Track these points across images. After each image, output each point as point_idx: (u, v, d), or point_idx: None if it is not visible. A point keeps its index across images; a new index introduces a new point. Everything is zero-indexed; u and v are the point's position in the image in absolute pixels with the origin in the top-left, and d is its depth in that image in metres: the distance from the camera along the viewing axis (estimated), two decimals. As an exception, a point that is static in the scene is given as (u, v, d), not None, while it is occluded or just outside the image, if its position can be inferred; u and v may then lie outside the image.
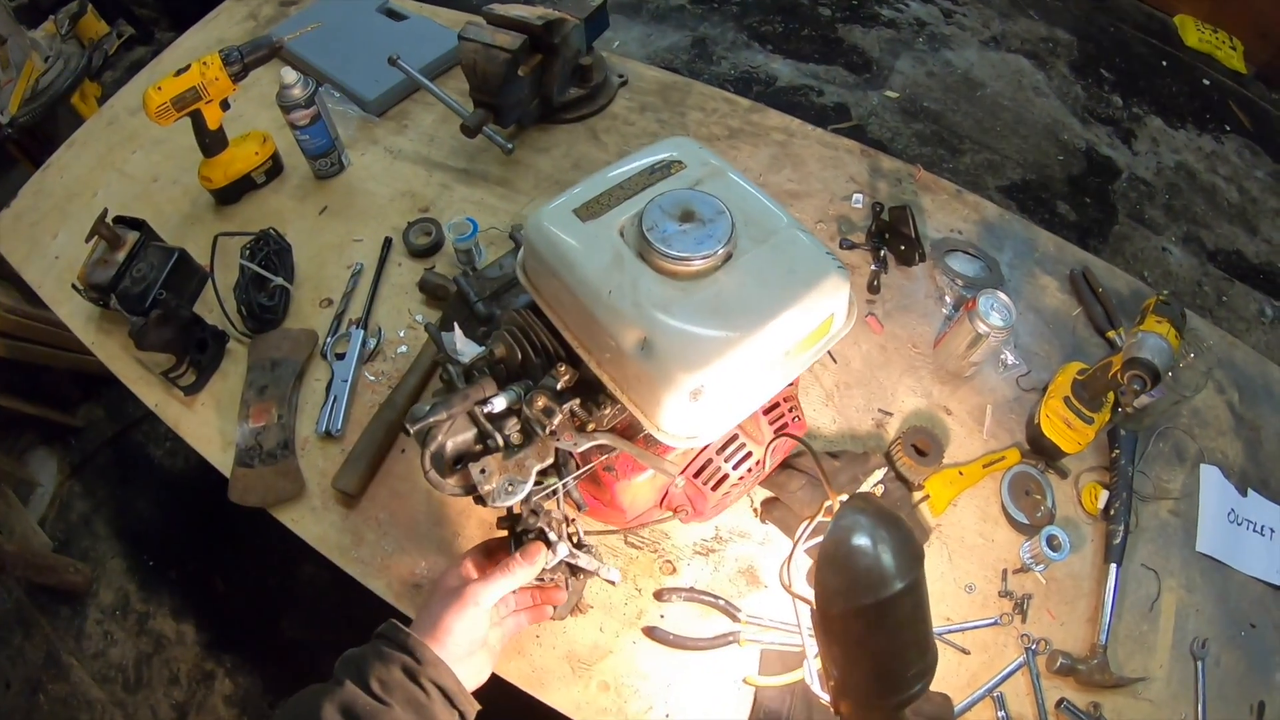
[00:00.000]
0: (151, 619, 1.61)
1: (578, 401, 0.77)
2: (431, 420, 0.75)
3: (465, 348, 0.83)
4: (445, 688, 0.66)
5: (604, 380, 0.74)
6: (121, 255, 1.15)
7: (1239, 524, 1.12)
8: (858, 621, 0.56)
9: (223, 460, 1.05)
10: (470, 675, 0.72)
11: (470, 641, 0.71)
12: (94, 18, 2.48)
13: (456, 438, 0.77)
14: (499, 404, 0.77)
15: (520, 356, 0.81)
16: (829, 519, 0.62)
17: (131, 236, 1.17)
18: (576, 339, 0.75)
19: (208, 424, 1.09)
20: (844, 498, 0.64)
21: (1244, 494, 1.14)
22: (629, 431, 0.79)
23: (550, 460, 0.76)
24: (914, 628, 0.56)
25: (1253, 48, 2.85)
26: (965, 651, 0.97)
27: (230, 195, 1.29)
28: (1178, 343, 0.97)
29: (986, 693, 0.95)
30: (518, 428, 0.79)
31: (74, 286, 1.16)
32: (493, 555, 0.82)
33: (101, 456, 1.82)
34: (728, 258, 0.72)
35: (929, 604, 0.59)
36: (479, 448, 0.78)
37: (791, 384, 0.86)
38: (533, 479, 0.75)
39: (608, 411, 0.77)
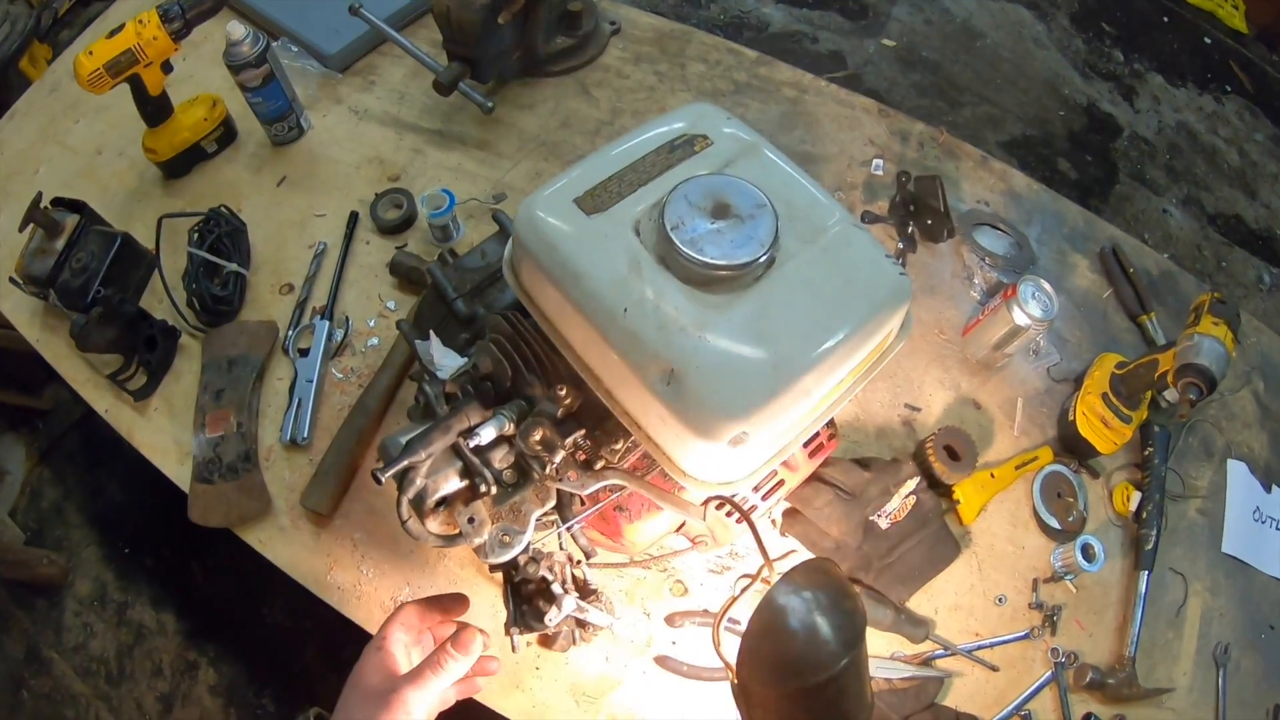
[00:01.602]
0: (130, 608, 1.45)
1: (583, 433, 0.60)
2: (407, 462, 0.57)
3: (444, 359, 0.65)
4: None
5: (617, 413, 0.56)
6: (61, 243, 0.95)
7: (1263, 522, 1.03)
8: (778, 703, 0.49)
9: (180, 474, 0.88)
10: None
11: None
12: (41, -27, 2.14)
13: (439, 475, 0.60)
14: (487, 434, 0.60)
15: (510, 373, 0.63)
16: (765, 585, 0.52)
17: (71, 221, 0.96)
18: (581, 361, 0.58)
19: (162, 432, 0.91)
20: (791, 559, 0.51)
21: (1268, 490, 1.04)
22: (645, 466, 0.62)
23: (551, 503, 0.59)
24: (841, 705, 0.50)
25: (1254, 7, 2.67)
26: (994, 669, 0.86)
27: (179, 167, 1.07)
28: (1234, 346, 0.83)
29: (1014, 710, 0.85)
30: (510, 461, 0.62)
31: (11, 280, 0.95)
32: (429, 614, 0.62)
33: (70, 440, 1.62)
34: (771, 264, 0.54)
35: (866, 672, 0.52)
36: (465, 485, 0.61)
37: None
38: (532, 528, 0.59)
39: (620, 446, 0.60)
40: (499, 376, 0.65)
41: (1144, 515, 0.94)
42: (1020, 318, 0.88)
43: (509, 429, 0.61)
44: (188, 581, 1.47)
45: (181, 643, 1.43)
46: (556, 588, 0.61)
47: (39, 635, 1.44)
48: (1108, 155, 2.22)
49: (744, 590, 0.57)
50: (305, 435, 0.87)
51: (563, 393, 0.61)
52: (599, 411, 0.60)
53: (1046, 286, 0.89)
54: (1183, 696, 0.91)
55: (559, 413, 0.61)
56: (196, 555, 1.48)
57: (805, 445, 0.66)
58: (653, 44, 1.19)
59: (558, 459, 0.59)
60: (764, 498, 0.66)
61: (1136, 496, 0.95)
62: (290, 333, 0.93)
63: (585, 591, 0.64)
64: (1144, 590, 0.90)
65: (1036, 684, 0.87)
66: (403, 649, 0.59)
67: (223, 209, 0.98)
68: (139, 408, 0.92)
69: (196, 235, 0.96)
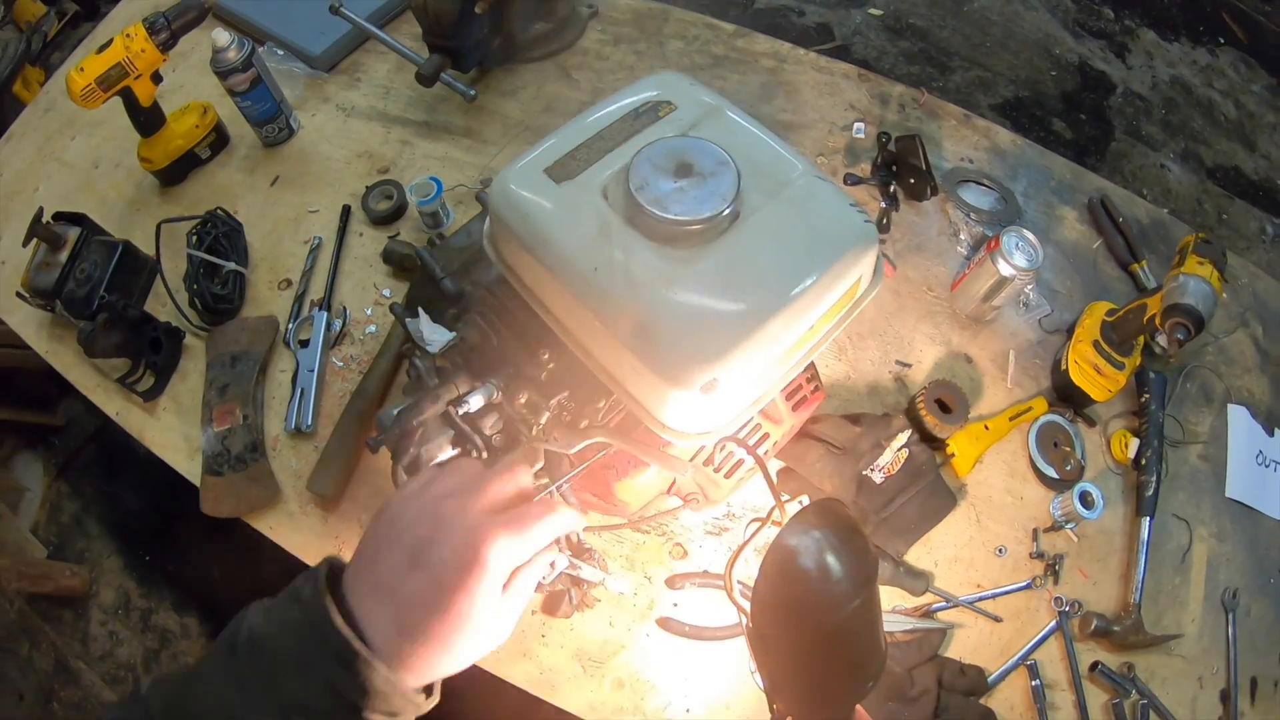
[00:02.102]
0: (154, 614, 1.51)
1: (566, 394, 0.63)
2: (400, 431, 0.62)
3: (433, 334, 0.69)
4: (395, 713, 0.42)
5: (596, 370, 0.60)
6: (64, 255, 1.00)
7: (1267, 466, 1.04)
8: (794, 644, 0.50)
9: (191, 469, 0.93)
10: (450, 663, 0.44)
11: (467, 630, 0.43)
12: (28, -1, 2.22)
13: (432, 443, 0.64)
14: (475, 402, 0.64)
15: (496, 343, 0.67)
16: (777, 526, 0.53)
17: (73, 234, 1.01)
18: (559, 323, 0.61)
19: (172, 430, 0.96)
20: (802, 499, 0.53)
21: (1271, 434, 1.06)
22: (628, 423, 0.65)
23: (539, 464, 0.63)
24: (856, 647, 0.50)
25: (1243, -43, 2.65)
26: (997, 619, 0.88)
27: (174, 174, 1.11)
28: (1220, 286, 0.85)
29: (1020, 661, 0.87)
30: (499, 428, 0.66)
31: (18, 294, 1.00)
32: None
33: (86, 453, 1.68)
34: (735, 218, 0.58)
35: (879, 614, 0.52)
36: (457, 451, 0.65)
37: (810, 353, 0.72)
38: (523, 488, 0.62)
39: (603, 404, 0.63)
40: (485, 347, 0.69)
41: (1143, 462, 0.96)
42: (1005, 269, 0.91)
43: (497, 397, 0.65)
44: (209, 584, 1.52)
45: (206, 644, 1.48)
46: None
47: (66, 647, 1.50)
48: (1102, 113, 2.22)
49: (755, 533, 0.57)
50: (309, 423, 0.91)
51: (545, 357, 0.65)
52: (581, 373, 0.64)
53: (1030, 237, 0.92)
54: (1192, 643, 0.92)
55: (543, 376, 0.65)
56: (216, 557, 1.54)
57: (788, 398, 0.69)
58: (631, 24, 1.22)
59: (543, 420, 0.63)
60: (749, 451, 0.69)
61: (1135, 443, 0.96)
62: (290, 326, 0.97)
63: (579, 550, 0.68)
64: (1146, 537, 0.92)
65: (1041, 634, 0.89)
66: (489, 493, 0.47)
67: (219, 211, 1.03)
68: (148, 408, 0.97)
69: (195, 238, 1.01)
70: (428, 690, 0.44)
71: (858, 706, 0.53)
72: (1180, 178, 2.14)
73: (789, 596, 0.48)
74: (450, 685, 0.46)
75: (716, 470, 0.70)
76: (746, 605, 0.51)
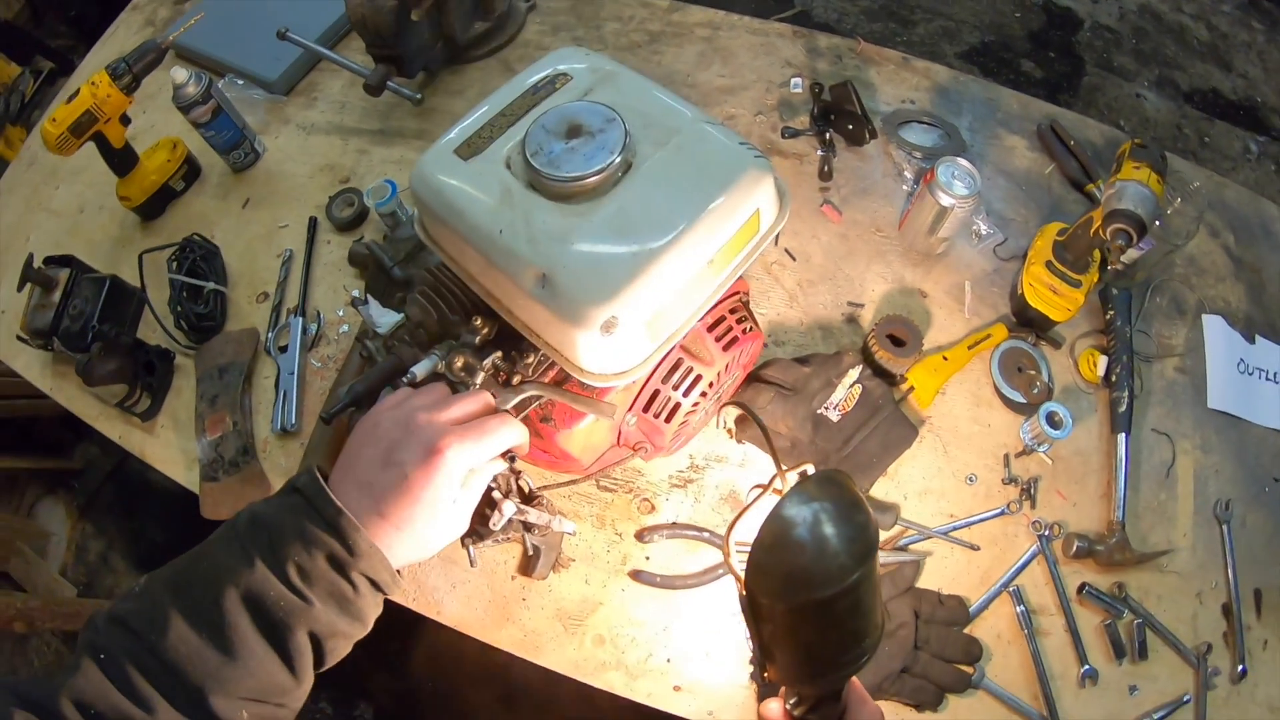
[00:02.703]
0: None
1: (499, 355, 0.70)
2: (348, 402, 0.69)
3: (382, 317, 0.76)
4: (378, 581, 0.52)
5: (518, 327, 0.66)
6: (57, 295, 1.10)
7: (1250, 374, 1.05)
8: (787, 615, 0.50)
9: (190, 479, 1.02)
10: (418, 548, 0.55)
11: (429, 517, 0.54)
12: (2, 61, 2.37)
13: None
14: (420, 371, 0.70)
15: (437, 317, 0.74)
16: (777, 495, 0.55)
17: (63, 274, 1.11)
18: (483, 289, 0.68)
19: (170, 445, 1.05)
20: (806, 469, 0.55)
21: (1251, 341, 1.07)
22: (561, 377, 0.71)
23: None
24: (852, 621, 0.50)
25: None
26: (974, 548, 0.91)
27: (153, 209, 1.22)
28: (1160, 188, 0.87)
29: (1002, 588, 0.91)
30: (445, 394, 0.72)
31: (19, 337, 1.11)
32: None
33: (105, 492, 1.81)
34: (627, 168, 0.64)
35: (877, 587, 0.52)
36: None
37: (737, 293, 0.78)
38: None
39: (531, 360, 0.70)
40: (428, 322, 0.76)
41: (1113, 378, 0.98)
42: (944, 199, 0.94)
43: (440, 367, 0.72)
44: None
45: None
46: (496, 493, 0.71)
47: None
48: (1071, 49, 2.23)
49: (755, 500, 0.60)
50: (294, 422, 0.99)
51: (478, 323, 0.71)
52: (511, 334, 0.70)
53: (965, 164, 0.95)
54: (1186, 558, 0.94)
55: (477, 341, 0.71)
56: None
57: (718, 339, 0.74)
58: (568, 12, 1.29)
59: (479, 380, 0.69)
60: (684, 393, 0.74)
61: (1103, 361, 0.99)
62: (270, 334, 1.06)
63: (527, 498, 0.74)
64: (1124, 453, 0.94)
65: (1022, 559, 0.91)
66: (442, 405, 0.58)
67: (195, 236, 1.13)
68: (147, 428, 1.06)
69: (175, 263, 1.10)
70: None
71: (853, 678, 0.54)
72: (1157, 105, 2.13)
73: (784, 567, 0.48)
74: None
75: (656, 416, 0.75)
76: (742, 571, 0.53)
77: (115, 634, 0.48)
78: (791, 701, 0.55)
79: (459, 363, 0.70)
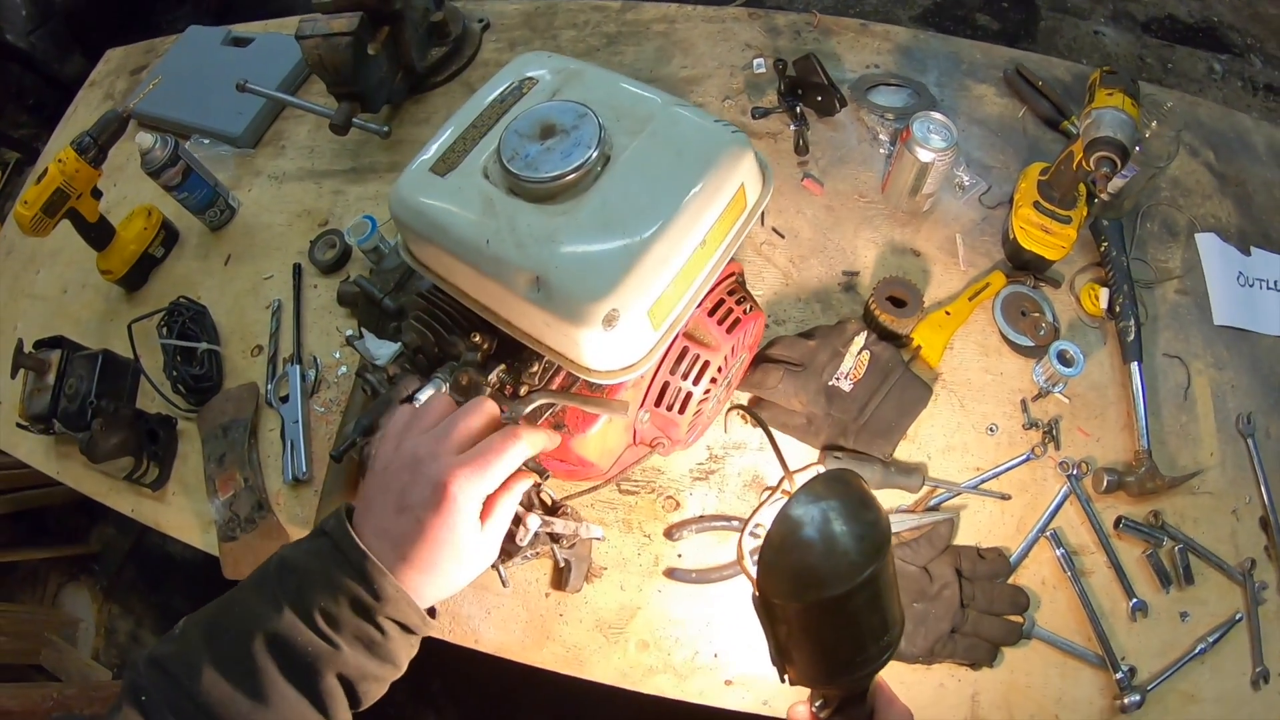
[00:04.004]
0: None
1: (503, 367, 0.69)
2: (355, 439, 0.67)
3: (379, 349, 0.75)
4: (406, 624, 0.51)
5: (519, 337, 0.65)
6: (51, 378, 1.09)
7: (1250, 285, 1.04)
8: (800, 614, 0.50)
9: (208, 542, 1.00)
10: (448, 586, 0.54)
11: (452, 557, 0.52)
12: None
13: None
14: (424, 396, 0.69)
15: (434, 339, 0.73)
16: (786, 496, 0.55)
17: (55, 356, 1.10)
18: (478, 303, 0.67)
19: (184, 511, 1.04)
20: (818, 469, 0.54)
21: (1247, 253, 1.06)
22: (569, 382, 0.70)
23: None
24: (867, 619, 0.50)
25: None
26: (1005, 497, 0.90)
27: (136, 279, 1.21)
28: (1136, 112, 0.87)
29: (1039, 534, 0.89)
30: (453, 415, 0.71)
31: (19, 425, 1.10)
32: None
33: (127, 571, 1.79)
34: (605, 161, 0.63)
35: (894, 585, 0.52)
36: (433, 388, 0.70)
37: (732, 274, 0.77)
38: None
39: (536, 369, 0.69)
40: (426, 346, 0.75)
41: (1117, 309, 0.97)
42: (923, 154, 0.94)
43: (445, 389, 0.71)
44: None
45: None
46: (518, 509, 0.69)
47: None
48: None
49: (764, 502, 0.60)
50: (305, 470, 0.98)
51: (477, 339, 0.70)
52: (513, 346, 0.69)
53: (939, 117, 0.95)
54: (1216, 476, 0.93)
55: (479, 357, 0.70)
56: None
57: (719, 322, 0.73)
58: (522, 26, 1.29)
59: (486, 395, 0.68)
60: (694, 382, 0.73)
61: (1105, 293, 0.98)
62: (269, 386, 1.05)
63: (550, 509, 0.72)
64: (1139, 381, 0.93)
65: (1055, 502, 0.90)
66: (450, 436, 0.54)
67: (181, 299, 1.12)
68: (158, 497, 1.05)
69: (165, 328, 1.09)
70: (430, 614, 0.54)
71: (878, 677, 0.54)
72: (1116, 39, 2.14)
73: (794, 565, 0.49)
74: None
75: (669, 409, 0.74)
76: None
77: (154, 677, 0.48)
78: (817, 704, 0.55)
79: (464, 380, 0.69)
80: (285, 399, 1.03)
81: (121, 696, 0.49)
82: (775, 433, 0.92)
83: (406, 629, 0.51)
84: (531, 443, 0.55)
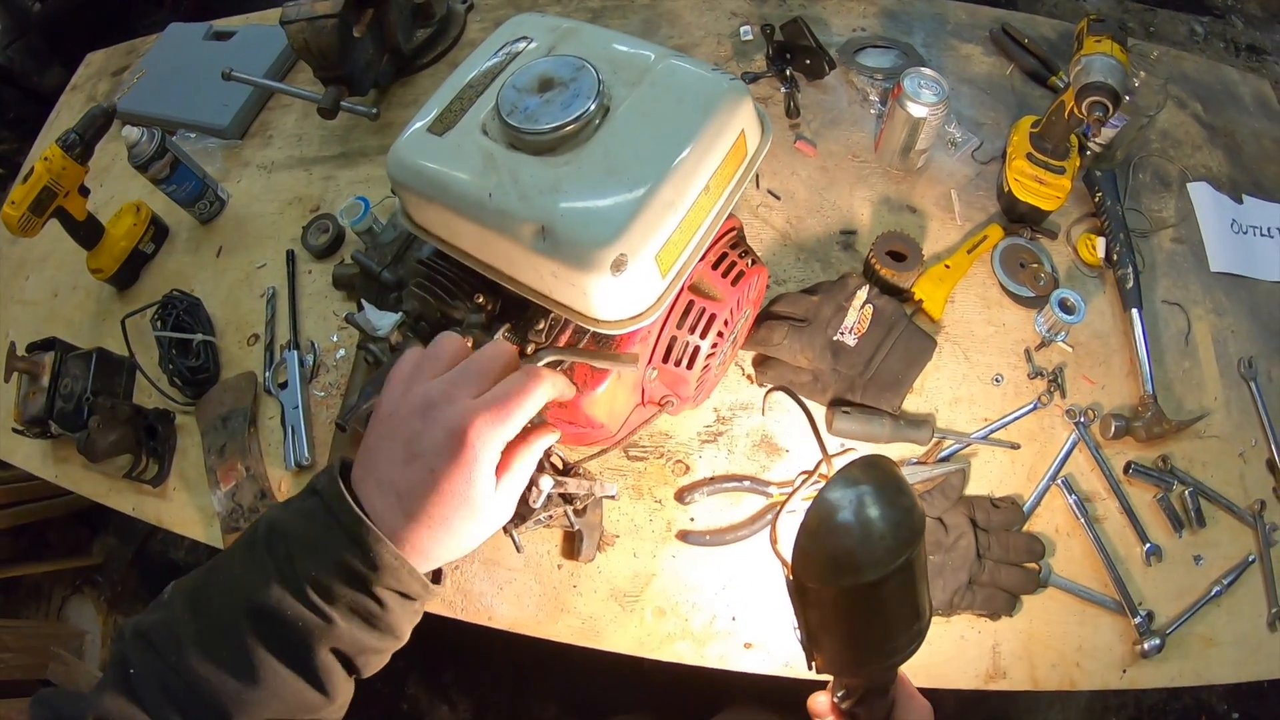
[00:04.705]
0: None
1: (508, 327, 0.68)
2: (363, 408, 0.66)
3: (380, 321, 0.74)
4: (406, 592, 0.47)
5: (525, 293, 0.65)
6: (45, 380, 1.07)
7: (1244, 232, 1.06)
8: (834, 598, 0.50)
9: (211, 535, 0.99)
10: (458, 545, 0.48)
11: (466, 512, 0.47)
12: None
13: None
14: (430, 362, 0.68)
15: (436, 304, 0.72)
16: (823, 480, 0.54)
17: (48, 358, 1.08)
18: (481, 263, 0.67)
19: (186, 506, 1.02)
20: (853, 455, 0.54)
21: (1239, 201, 1.08)
22: (576, 339, 0.70)
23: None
24: (899, 607, 0.50)
25: None
26: (1015, 447, 0.90)
27: (127, 277, 1.19)
28: (1125, 57, 0.87)
29: (1050, 481, 0.90)
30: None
31: (15, 430, 1.08)
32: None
33: (131, 580, 1.77)
34: (605, 112, 0.63)
35: (925, 575, 0.52)
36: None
37: (733, 229, 0.76)
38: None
39: (543, 325, 0.68)
40: (428, 313, 0.74)
41: (1114, 257, 0.98)
42: (916, 110, 0.94)
43: (451, 354, 0.70)
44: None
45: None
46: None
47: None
48: None
49: (801, 484, 0.61)
50: (307, 456, 0.97)
51: (480, 299, 0.70)
52: (517, 305, 0.69)
53: (929, 73, 0.95)
54: (1221, 419, 0.94)
55: (483, 319, 0.70)
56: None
57: (724, 275, 0.73)
58: (506, 4, 1.29)
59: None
60: (701, 335, 0.72)
61: (1101, 242, 0.99)
62: (267, 374, 1.03)
63: (563, 470, 0.72)
64: (1140, 328, 0.94)
65: (1064, 449, 0.91)
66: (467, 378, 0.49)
67: (174, 292, 1.10)
68: (159, 493, 1.03)
69: (159, 322, 1.08)
70: (435, 578, 0.49)
71: (901, 672, 0.54)
72: (1097, 3, 2.16)
73: (829, 549, 0.49)
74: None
75: (677, 364, 0.74)
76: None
77: (140, 649, 0.45)
78: (839, 694, 0.55)
79: (469, 343, 0.68)
80: (284, 385, 1.02)
81: (109, 669, 0.45)
82: (779, 392, 0.91)
83: (407, 596, 0.47)
84: (554, 384, 0.50)
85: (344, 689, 0.47)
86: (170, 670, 0.43)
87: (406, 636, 0.49)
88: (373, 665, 0.49)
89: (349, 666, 0.47)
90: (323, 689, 0.45)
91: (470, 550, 0.50)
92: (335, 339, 1.04)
